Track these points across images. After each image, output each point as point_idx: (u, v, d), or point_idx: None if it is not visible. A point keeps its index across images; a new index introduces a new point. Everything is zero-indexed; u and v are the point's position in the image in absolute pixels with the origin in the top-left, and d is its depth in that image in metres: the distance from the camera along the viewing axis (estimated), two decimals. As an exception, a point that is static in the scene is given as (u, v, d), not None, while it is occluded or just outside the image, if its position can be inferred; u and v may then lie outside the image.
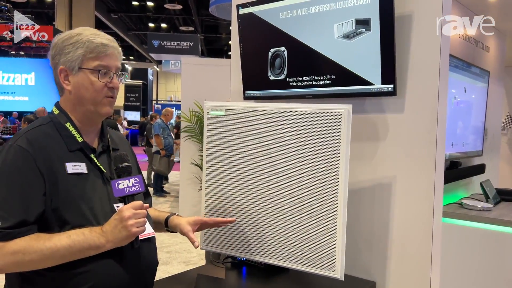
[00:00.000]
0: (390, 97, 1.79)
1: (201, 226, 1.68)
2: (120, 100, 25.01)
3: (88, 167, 1.32)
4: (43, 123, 1.33)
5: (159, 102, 26.03)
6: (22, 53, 16.78)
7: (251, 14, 2.08)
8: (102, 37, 1.33)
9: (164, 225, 1.64)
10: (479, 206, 2.83)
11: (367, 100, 1.88)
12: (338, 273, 1.59)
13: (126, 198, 1.30)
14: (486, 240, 2.64)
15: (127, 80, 24.38)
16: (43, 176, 1.22)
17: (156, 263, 1.47)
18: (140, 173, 1.54)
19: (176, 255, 5.02)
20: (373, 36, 1.73)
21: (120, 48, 1.38)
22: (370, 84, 1.78)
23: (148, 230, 1.38)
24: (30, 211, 1.20)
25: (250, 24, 2.10)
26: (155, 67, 27.33)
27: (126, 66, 26.17)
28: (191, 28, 20.83)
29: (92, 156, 1.35)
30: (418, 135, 1.76)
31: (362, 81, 1.80)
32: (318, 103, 1.96)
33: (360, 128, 1.90)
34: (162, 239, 5.57)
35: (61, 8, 17.41)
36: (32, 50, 15.65)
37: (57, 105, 1.39)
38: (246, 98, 2.19)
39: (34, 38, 14.82)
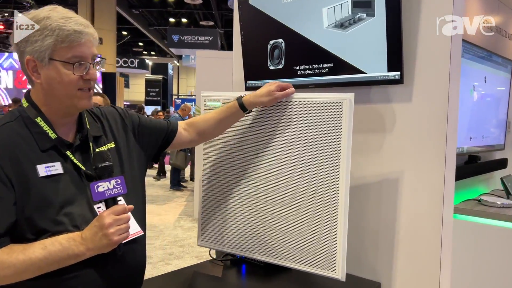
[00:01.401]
0: (397, 85, 1.67)
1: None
2: (141, 95, 25.27)
3: (63, 166, 1.19)
4: (11, 120, 1.19)
5: (180, 97, 26.17)
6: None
7: (249, 5, 2.00)
8: (74, 22, 1.16)
9: (241, 110, 1.55)
10: (499, 202, 2.67)
11: (373, 89, 1.76)
12: (339, 274, 1.49)
13: (108, 202, 1.18)
14: (505, 239, 2.48)
15: (147, 75, 24.57)
16: (12, 184, 1.11)
17: (143, 265, 1.37)
18: (144, 150, 1.42)
19: (190, 249, 4.98)
20: (377, 20, 1.61)
21: (96, 32, 1.22)
22: (374, 71, 1.67)
23: (134, 230, 1.29)
24: (0, 223, 1.09)
25: (250, 15, 2.02)
26: (175, 62, 27.45)
27: (147, 61, 26.38)
28: (211, 23, 20.81)
29: (68, 153, 1.22)
30: (427, 126, 1.63)
31: (363, 70, 1.69)
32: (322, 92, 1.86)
33: (366, 119, 1.79)
34: (176, 233, 5.55)
35: (83, 5, 17.64)
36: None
37: (27, 96, 1.24)
38: (248, 88, 2.10)
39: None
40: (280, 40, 1.92)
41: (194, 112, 10.56)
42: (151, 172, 10.14)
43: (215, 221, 1.80)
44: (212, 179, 1.80)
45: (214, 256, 1.93)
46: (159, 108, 19.51)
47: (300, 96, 1.55)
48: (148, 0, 20.19)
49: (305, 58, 1.85)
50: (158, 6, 20.97)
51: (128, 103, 24.08)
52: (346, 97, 1.44)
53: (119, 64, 23.14)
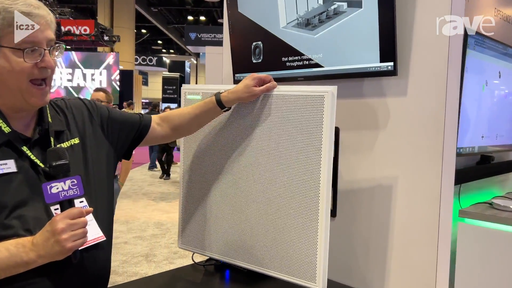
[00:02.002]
0: (390, 77, 1.52)
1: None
2: (158, 93, 25.42)
3: (17, 164, 1.08)
4: None
5: (197, 95, 26.16)
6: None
7: (237, 12, 1.93)
8: (23, 3, 1.04)
9: (218, 107, 1.43)
10: (511, 206, 2.48)
11: (365, 82, 1.62)
12: (320, 285, 1.35)
13: (63, 204, 1.06)
14: (517, 247, 2.30)
15: (165, 73, 24.69)
16: None
17: (106, 272, 1.26)
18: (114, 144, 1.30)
19: (194, 249, 4.90)
20: (367, 10, 1.47)
21: (50, 14, 1.10)
22: (366, 62, 1.52)
23: (94, 235, 1.18)
24: None
25: (237, 20, 1.95)
26: (193, 60, 27.53)
27: (164, 59, 26.53)
28: (229, 20, 20.74)
29: (25, 148, 1.10)
30: (423, 122, 1.48)
31: (354, 62, 1.55)
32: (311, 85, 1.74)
33: (358, 114, 1.64)
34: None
35: (102, 3, 17.81)
36: (74, 43, 16.07)
37: None
38: (236, 81, 1.98)
39: (77, 32, 15.23)
40: (260, 42, 1.86)
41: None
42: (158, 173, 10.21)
43: (195, 223, 1.68)
44: (191, 178, 1.68)
45: (200, 260, 1.82)
46: (173, 106, 19.59)
47: (281, 90, 1.41)
48: (167, -2, 20.32)
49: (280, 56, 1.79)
50: (177, 4, 21.04)
51: (147, 100, 24.28)
52: (328, 90, 1.29)
53: (138, 62, 23.36)
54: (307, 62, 1.69)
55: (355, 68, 1.56)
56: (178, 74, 25.02)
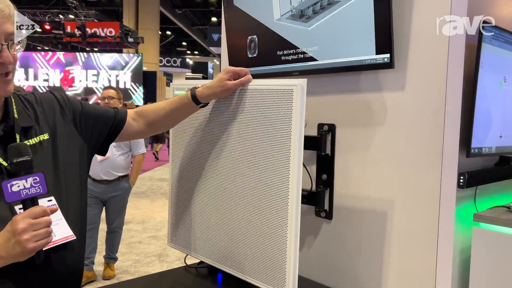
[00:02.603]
0: (387, 70, 1.42)
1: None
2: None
3: None
4: None
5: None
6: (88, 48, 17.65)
7: (233, 5, 1.86)
8: None
9: (194, 103, 1.35)
10: (531, 211, 2.31)
11: (362, 76, 1.52)
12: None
13: (25, 203, 1.01)
14: (536, 254, 2.14)
15: (188, 74, 24.88)
16: None
17: (77, 273, 1.21)
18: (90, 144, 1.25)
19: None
20: (363, -7, 1.38)
21: (9, 7, 1.04)
22: (361, 55, 1.43)
23: (63, 235, 1.13)
24: None
25: (233, 13, 1.88)
26: (215, 60, 27.65)
27: (188, 60, 26.75)
28: (252, 21, 20.73)
29: None
30: (422, 118, 1.37)
31: (349, 54, 1.46)
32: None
33: (354, 110, 1.55)
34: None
35: (128, 5, 18.10)
36: (99, 45, 16.39)
37: None
38: (232, 77, 1.92)
39: (103, 34, 15.54)
40: (255, 36, 1.78)
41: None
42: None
43: (181, 222, 1.63)
44: (177, 176, 1.64)
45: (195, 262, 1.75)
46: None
47: (255, 84, 1.32)
48: (191, 0, 20.45)
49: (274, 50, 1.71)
50: (201, 5, 21.17)
51: (171, 102, 24.42)
52: (297, 83, 1.19)
53: (163, 63, 23.63)
54: (302, 56, 1.60)
55: (350, 61, 1.47)
56: (201, 75, 25.18)
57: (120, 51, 17.95)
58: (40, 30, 16.07)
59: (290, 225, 1.22)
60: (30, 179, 1.01)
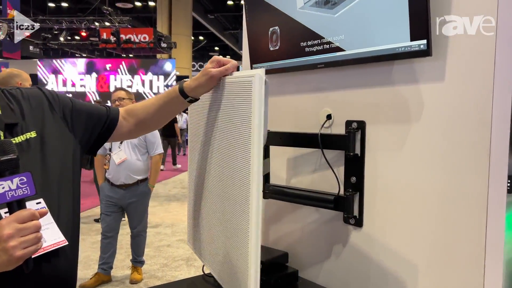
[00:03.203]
0: (424, 59, 1.26)
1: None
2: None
3: None
4: None
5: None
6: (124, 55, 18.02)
7: None
8: None
9: (182, 97, 1.28)
10: None
11: (395, 66, 1.36)
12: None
13: (11, 206, 0.92)
14: None
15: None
16: None
17: (70, 281, 1.12)
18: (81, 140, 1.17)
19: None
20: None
21: None
22: (394, 42, 1.27)
23: (54, 240, 1.04)
24: None
25: (254, 4, 1.75)
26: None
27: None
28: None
29: None
30: (466, 113, 1.20)
31: (382, 39, 1.31)
32: (332, 72, 1.51)
33: (386, 105, 1.39)
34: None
35: (161, 11, 18.40)
36: (133, 51, 16.71)
37: None
38: (253, 73, 1.80)
39: (137, 40, 15.86)
40: (277, 27, 1.64)
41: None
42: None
43: (190, 222, 1.59)
44: (190, 176, 1.59)
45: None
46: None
47: (230, 76, 1.25)
48: (223, 4, 20.55)
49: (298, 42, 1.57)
50: (233, 10, 21.25)
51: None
52: (255, 73, 1.08)
53: (195, 68, 23.86)
54: (328, 46, 1.46)
55: (381, 50, 1.31)
56: (233, 78, 25.21)
57: (154, 56, 18.24)
58: (78, 37, 16.58)
59: (251, 241, 1.09)
60: (16, 180, 0.91)
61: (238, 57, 29.08)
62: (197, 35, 23.62)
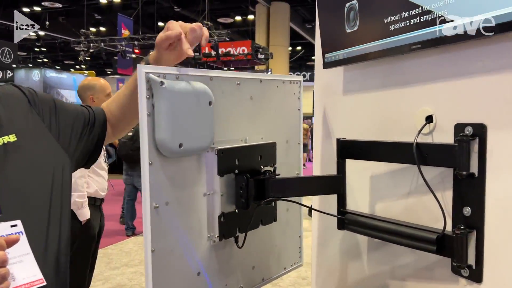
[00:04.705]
0: None
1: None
2: (309, 108, 25.49)
3: None
4: None
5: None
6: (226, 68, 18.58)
7: None
8: None
9: None
10: None
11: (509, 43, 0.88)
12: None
13: None
14: None
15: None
16: None
17: None
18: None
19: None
20: None
21: None
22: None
23: (27, 279, 0.77)
24: None
25: None
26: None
27: (317, 73, 26.61)
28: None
29: None
30: None
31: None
32: (433, 56, 1.07)
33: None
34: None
35: (259, 24, 18.69)
36: (232, 64, 17.18)
37: None
38: (326, 65, 1.41)
39: (236, 53, 16.37)
40: (355, 2, 1.22)
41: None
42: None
43: None
44: None
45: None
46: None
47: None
48: (321, 13, 20.28)
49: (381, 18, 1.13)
50: (331, 18, 20.86)
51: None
52: None
53: (293, 78, 23.87)
54: (426, 18, 1.02)
55: (501, 16, 0.84)
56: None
57: (252, 68, 18.55)
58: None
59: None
60: None
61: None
62: (294, 45, 23.56)
